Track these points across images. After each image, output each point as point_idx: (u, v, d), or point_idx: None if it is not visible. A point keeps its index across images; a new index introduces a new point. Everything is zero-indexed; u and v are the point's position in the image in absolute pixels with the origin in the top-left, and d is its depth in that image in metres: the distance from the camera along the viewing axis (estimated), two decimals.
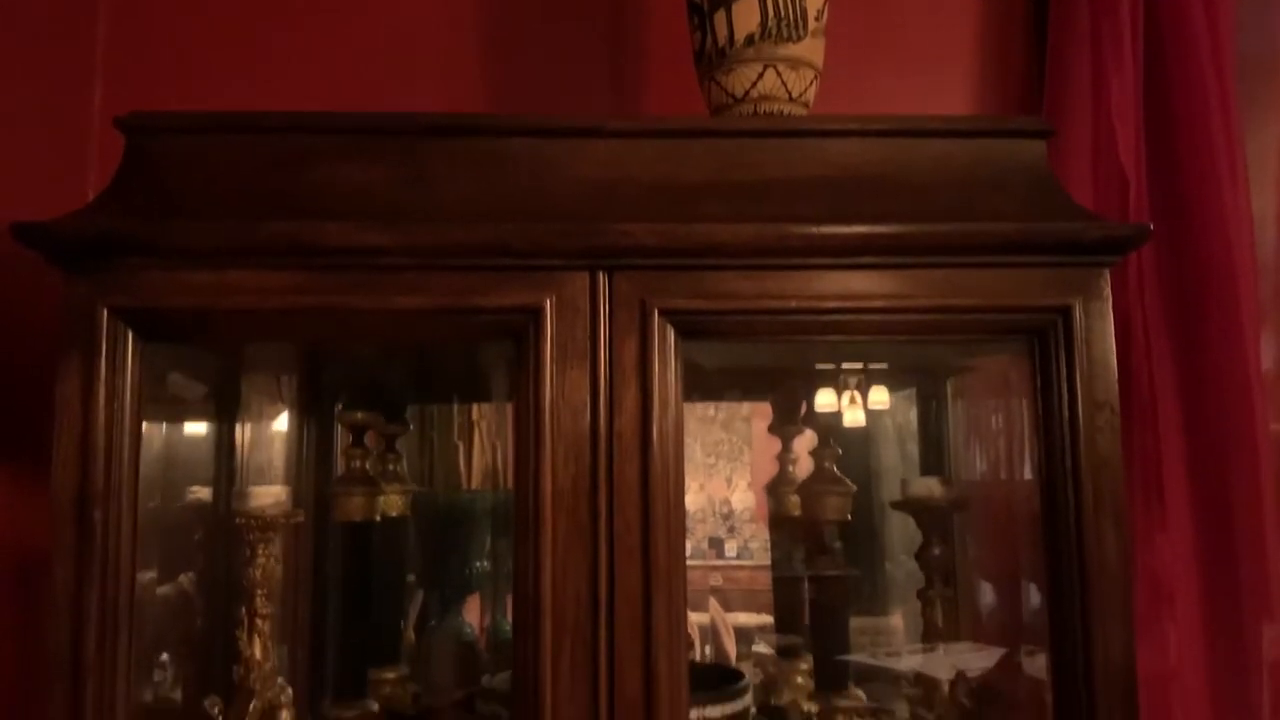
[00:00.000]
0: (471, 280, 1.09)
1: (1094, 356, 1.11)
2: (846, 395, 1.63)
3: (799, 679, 1.57)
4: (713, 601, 2.81)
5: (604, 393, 1.09)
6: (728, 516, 3.76)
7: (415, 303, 1.08)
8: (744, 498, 3.72)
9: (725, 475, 3.85)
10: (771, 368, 1.63)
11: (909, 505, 1.26)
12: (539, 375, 1.08)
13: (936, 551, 1.24)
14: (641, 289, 1.10)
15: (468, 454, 2.02)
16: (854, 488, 1.40)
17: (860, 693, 1.37)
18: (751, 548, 3.43)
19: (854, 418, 1.66)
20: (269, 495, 1.16)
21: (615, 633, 1.06)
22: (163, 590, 1.51)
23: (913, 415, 1.62)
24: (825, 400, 1.64)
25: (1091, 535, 1.09)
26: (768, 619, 1.84)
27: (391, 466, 1.59)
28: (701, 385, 1.60)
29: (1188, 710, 1.50)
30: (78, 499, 1.04)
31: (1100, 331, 1.11)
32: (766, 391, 1.77)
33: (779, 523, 1.64)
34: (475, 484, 2.00)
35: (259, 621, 1.16)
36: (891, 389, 1.60)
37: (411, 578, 1.97)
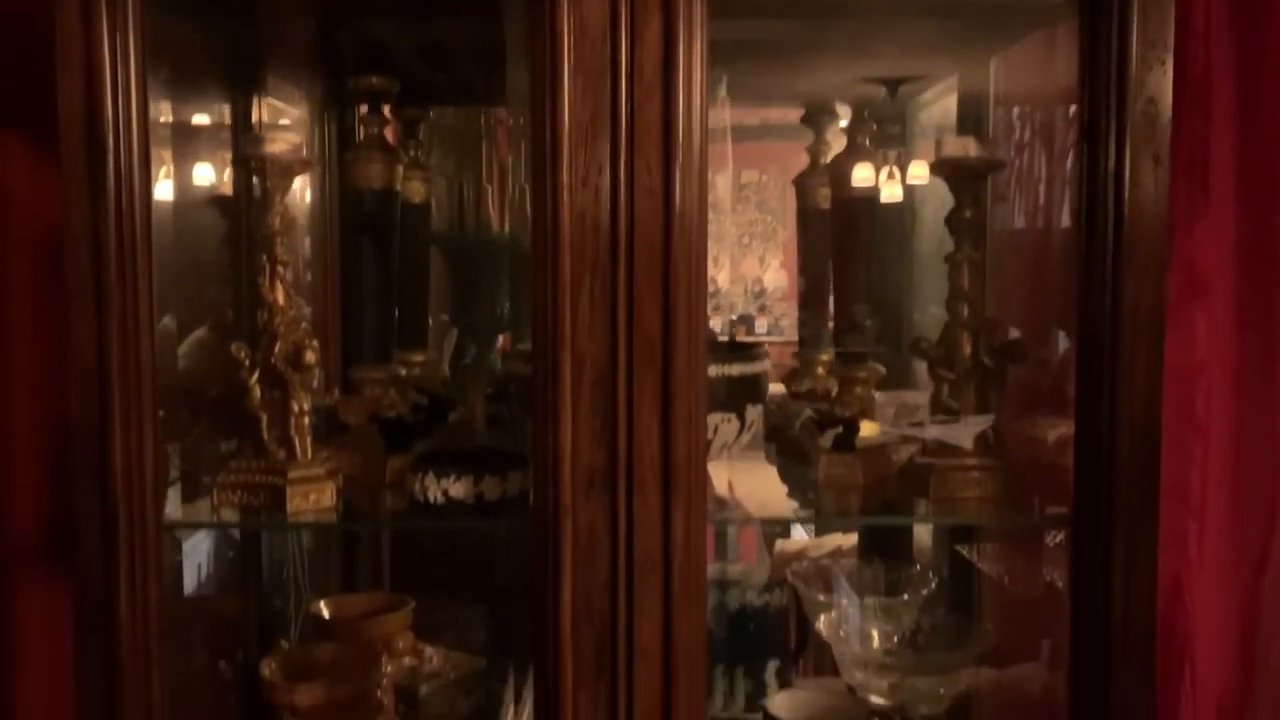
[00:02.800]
0: None
1: None
2: (885, 170, 1.57)
3: (819, 369, 1.59)
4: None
5: (624, 22, 1.03)
6: (759, 295, 3.76)
7: None
8: (776, 277, 3.69)
9: (758, 255, 3.81)
10: (805, 62, 1.55)
11: (943, 167, 1.21)
12: (555, 1, 1.03)
13: (968, 214, 1.20)
14: None
15: (499, 197, 1.99)
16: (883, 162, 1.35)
17: (879, 366, 1.37)
18: (782, 325, 3.43)
19: (891, 193, 1.61)
20: (284, 140, 1.13)
21: (635, 273, 1.05)
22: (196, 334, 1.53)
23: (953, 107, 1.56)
24: (863, 175, 1.59)
25: (1130, 177, 1.05)
26: None
27: (412, 152, 1.56)
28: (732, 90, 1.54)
29: (1212, 402, 1.50)
30: (86, 125, 1.02)
31: None
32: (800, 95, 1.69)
33: (805, 218, 1.60)
34: (506, 227, 1.98)
35: (280, 269, 1.16)
36: (931, 72, 1.53)
37: (445, 317, 2.00)
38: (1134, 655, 1.13)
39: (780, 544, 2.14)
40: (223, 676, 1.62)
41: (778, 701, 1.28)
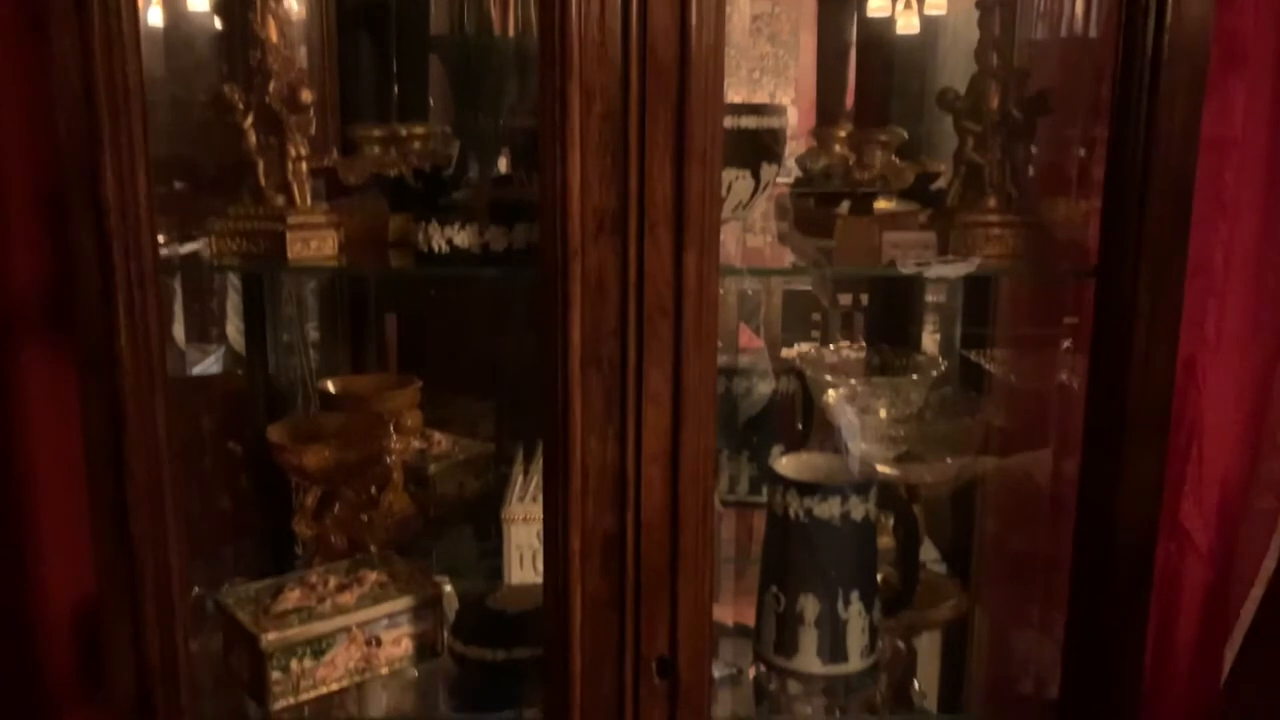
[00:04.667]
0: None
1: None
2: None
3: (836, 146, 1.53)
4: None
5: None
6: None
7: None
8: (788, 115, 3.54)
9: (769, 91, 3.68)
10: None
11: None
12: None
13: None
14: None
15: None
16: None
17: (901, 130, 1.32)
18: (790, 166, 3.34)
19: (908, 23, 1.51)
20: None
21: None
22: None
23: None
24: (878, 3, 1.48)
25: None
26: None
27: None
28: None
29: (1242, 179, 1.45)
30: None
31: None
32: None
33: None
34: (509, 30, 1.88)
35: (272, 3, 1.09)
36: None
37: (447, 129, 1.92)
38: (1151, 407, 1.12)
39: (786, 351, 2.13)
40: (232, 454, 1.63)
41: (784, 462, 1.28)
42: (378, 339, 1.87)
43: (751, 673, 1.30)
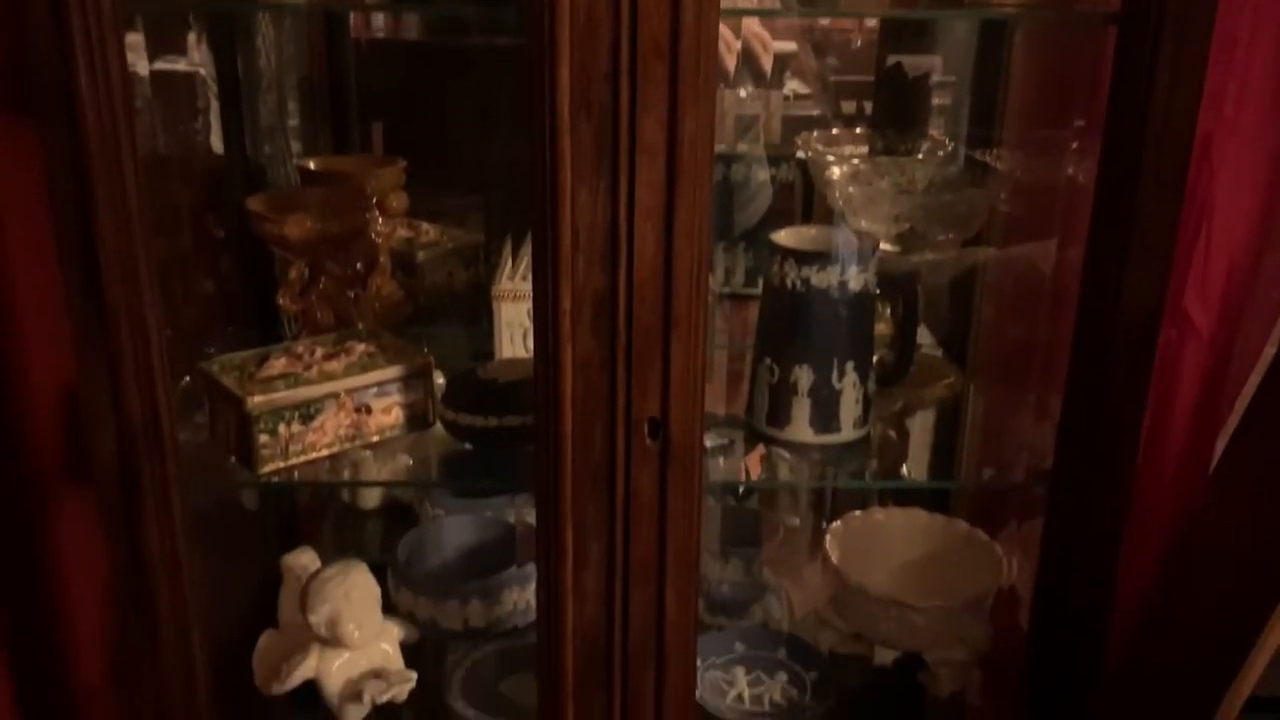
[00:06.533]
0: None
1: None
2: None
3: None
4: None
5: None
6: None
7: None
8: None
9: None
10: None
11: None
12: None
13: None
14: None
15: None
16: None
17: None
18: None
19: None
20: None
21: None
22: None
23: None
24: None
25: None
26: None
27: None
28: None
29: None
30: None
31: None
32: None
33: None
34: None
35: None
36: None
37: None
38: (1166, 167, 1.08)
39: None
40: (214, 237, 1.58)
41: (783, 235, 1.23)
42: (362, 141, 1.80)
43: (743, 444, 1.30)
